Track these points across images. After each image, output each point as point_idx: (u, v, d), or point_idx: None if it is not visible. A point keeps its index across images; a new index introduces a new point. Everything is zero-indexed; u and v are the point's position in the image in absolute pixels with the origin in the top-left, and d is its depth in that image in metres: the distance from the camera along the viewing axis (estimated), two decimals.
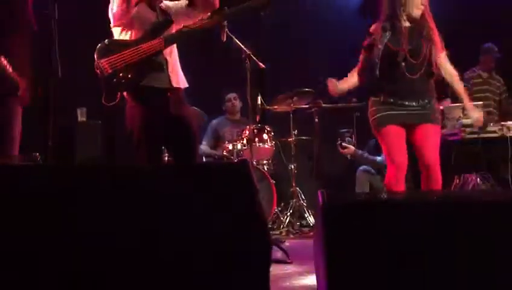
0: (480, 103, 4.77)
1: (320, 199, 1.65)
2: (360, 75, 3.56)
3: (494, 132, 4.93)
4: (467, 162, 4.96)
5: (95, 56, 3.21)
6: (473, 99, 5.22)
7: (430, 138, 3.36)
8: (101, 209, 1.44)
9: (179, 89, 3.28)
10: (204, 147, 5.54)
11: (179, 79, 3.28)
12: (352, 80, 3.65)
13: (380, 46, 3.24)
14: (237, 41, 4.09)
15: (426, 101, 3.35)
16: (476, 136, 4.84)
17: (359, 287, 1.54)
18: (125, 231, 1.36)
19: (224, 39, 3.60)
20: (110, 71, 3.15)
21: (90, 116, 5.14)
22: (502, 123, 4.96)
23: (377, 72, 3.26)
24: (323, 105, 5.27)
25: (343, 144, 5.44)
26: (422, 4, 3.33)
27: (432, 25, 3.38)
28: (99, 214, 1.44)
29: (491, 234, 1.56)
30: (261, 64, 4.35)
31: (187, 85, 3.34)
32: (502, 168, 4.92)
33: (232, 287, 1.37)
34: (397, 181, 3.37)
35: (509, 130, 4.90)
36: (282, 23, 6.49)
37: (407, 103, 3.34)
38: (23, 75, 2.66)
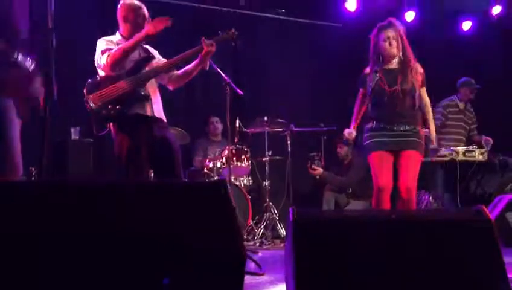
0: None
1: (291, 214, 1.69)
2: (360, 106, 3.79)
3: (445, 155, 5.06)
4: (421, 183, 5.07)
5: (84, 92, 3.23)
6: (447, 125, 5.40)
7: (410, 165, 3.52)
8: (84, 221, 1.42)
9: (161, 119, 3.33)
10: (197, 162, 5.58)
11: (160, 112, 3.36)
12: (359, 116, 3.83)
13: (370, 84, 3.56)
14: (218, 70, 4.15)
15: (412, 127, 3.55)
16: (429, 159, 4.95)
17: None
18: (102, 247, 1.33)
19: (207, 68, 3.66)
20: (99, 104, 3.16)
21: (83, 135, 5.10)
22: (452, 148, 5.09)
23: (369, 105, 3.63)
24: (295, 129, 5.35)
25: (313, 166, 5.56)
26: (396, 55, 3.60)
27: (413, 64, 3.62)
28: (88, 226, 1.44)
29: (431, 250, 1.60)
30: (239, 91, 4.40)
31: (165, 119, 3.40)
32: (452, 188, 5.04)
33: None
34: (381, 202, 3.55)
35: (458, 155, 5.04)
36: (260, 53, 6.60)
37: (395, 128, 3.54)
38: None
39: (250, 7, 6.56)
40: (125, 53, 3.23)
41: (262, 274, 3.08)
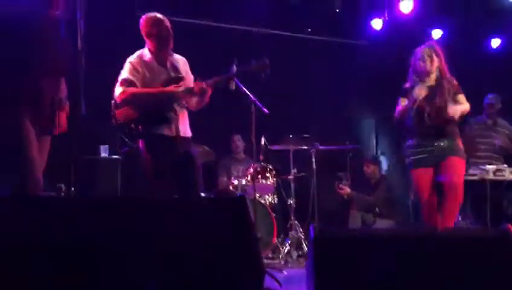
0: None
1: (311, 232, 1.68)
2: (398, 121, 3.92)
3: (475, 175, 4.96)
4: None
5: (112, 105, 3.28)
6: (475, 142, 5.34)
7: (452, 167, 3.65)
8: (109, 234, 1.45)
9: (186, 137, 3.35)
10: (221, 182, 5.60)
11: (186, 130, 3.37)
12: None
13: (411, 102, 3.73)
14: (244, 89, 4.18)
15: (450, 140, 3.69)
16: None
17: None
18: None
19: (233, 88, 3.69)
20: (121, 122, 3.22)
21: (112, 153, 5.20)
22: (481, 167, 4.98)
23: (410, 121, 3.77)
24: (320, 147, 5.32)
25: (340, 185, 5.54)
26: (430, 72, 3.75)
27: (447, 81, 3.75)
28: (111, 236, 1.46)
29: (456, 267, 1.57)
30: (265, 109, 4.41)
31: (190, 134, 3.41)
32: (482, 208, 4.92)
33: None
34: (429, 217, 3.67)
35: (487, 174, 4.93)
36: (286, 71, 6.63)
37: (435, 143, 3.68)
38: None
39: (275, 26, 6.62)
40: (139, 100, 3.22)
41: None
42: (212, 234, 1.42)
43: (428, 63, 3.74)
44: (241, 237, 1.40)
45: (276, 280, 3.15)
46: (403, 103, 3.86)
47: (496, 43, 6.78)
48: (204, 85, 3.31)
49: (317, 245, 1.59)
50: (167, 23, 3.36)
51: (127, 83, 3.25)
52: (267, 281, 3.09)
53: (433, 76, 3.77)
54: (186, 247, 1.41)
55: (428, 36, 6.46)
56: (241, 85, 4.04)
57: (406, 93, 3.85)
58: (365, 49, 6.90)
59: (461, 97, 3.79)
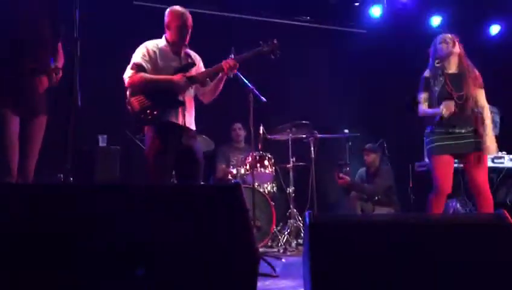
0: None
1: (307, 218, 1.69)
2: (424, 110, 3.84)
3: None
4: None
5: (127, 93, 3.32)
6: None
7: (480, 166, 3.64)
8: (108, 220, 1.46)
9: (191, 128, 3.39)
10: (220, 170, 5.63)
11: (191, 121, 3.40)
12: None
13: (436, 89, 3.71)
14: (242, 78, 4.17)
15: (472, 128, 3.66)
16: (456, 166, 4.85)
17: None
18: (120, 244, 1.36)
19: (231, 76, 3.70)
20: (138, 108, 3.25)
21: (110, 142, 5.20)
22: None
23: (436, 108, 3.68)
24: (319, 135, 5.32)
25: (341, 174, 5.54)
26: (453, 53, 3.73)
27: (470, 69, 3.75)
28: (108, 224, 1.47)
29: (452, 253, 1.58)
30: (262, 98, 4.40)
31: (194, 128, 3.45)
32: None
33: None
34: (438, 203, 3.64)
35: None
36: (284, 60, 6.60)
37: (457, 130, 3.65)
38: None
39: (274, 14, 6.59)
40: (145, 85, 3.28)
41: (277, 276, 3.08)
42: (206, 220, 1.42)
43: (450, 45, 3.72)
44: (235, 223, 1.41)
45: (271, 267, 3.17)
46: (424, 103, 3.82)
47: (495, 29, 6.74)
48: (232, 62, 3.40)
49: (313, 231, 1.59)
50: (186, 16, 3.43)
51: (137, 67, 3.32)
52: (263, 268, 3.12)
53: (455, 60, 3.75)
54: (179, 233, 1.42)
55: (426, 24, 6.44)
56: (239, 73, 4.03)
57: (426, 84, 3.82)
58: (364, 37, 6.87)
59: (481, 92, 3.77)
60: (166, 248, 1.38)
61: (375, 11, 6.52)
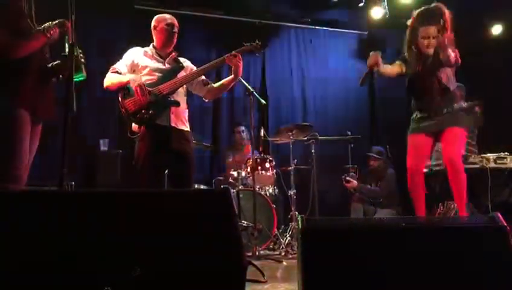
0: None
1: (299, 223, 1.69)
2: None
3: (475, 163, 4.93)
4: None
5: (119, 98, 3.36)
6: None
7: (450, 138, 3.62)
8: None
9: (181, 129, 3.40)
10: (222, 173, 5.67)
11: (178, 121, 3.42)
12: (392, 70, 3.85)
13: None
14: (242, 80, 4.19)
15: (449, 109, 3.65)
16: None
17: None
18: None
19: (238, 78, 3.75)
20: (133, 109, 3.29)
21: (112, 146, 5.23)
22: (482, 155, 4.96)
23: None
24: (320, 137, 5.31)
25: (347, 178, 5.53)
26: (430, 55, 3.65)
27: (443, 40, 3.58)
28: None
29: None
30: (262, 100, 4.41)
31: (188, 129, 3.48)
32: (482, 196, 4.90)
33: None
34: (412, 183, 3.69)
35: (488, 162, 4.90)
36: (285, 63, 6.61)
37: (433, 113, 3.66)
38: None
39: (276, 17, 6.60)
40: (112, 86, 3.41)
41: (265, 281, 3.06)
42: (195, 225, 1.43)
43: (432, 44, 3.63)
44: (223, 229, 1.41)
45: (260, 272, 3.15)
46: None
47: (497, 30, 6.71)
48: (236, 54, 3.49)
49: (304, 236, 1.59)
50: (169, 21, 3.52)
51: (112, 70, 3.46)
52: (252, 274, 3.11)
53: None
54: (168, 238, 1.42)
55: None
56: (240, 78, 4.05)
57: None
58: (365, 38, 6.87)
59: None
60: (153, 253, 1.38)
61: (375, 13, 6.50)
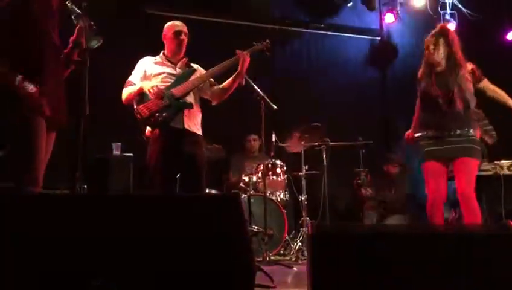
0: None
1: (309, 228, 1.69)
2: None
3: (488, 170, 4.88)
4: None
5: (134, 104, 3.40)
6: None
7: (464, 171, 3.48)
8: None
9: (194, 133, 3.42)
10: (233, 179, 5.65)
11: (191, 124, 3.43)
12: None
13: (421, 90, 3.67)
14: (254, 85, 4.19)
15: (465, 130, 3.51)
16: None
17: None
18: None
19: (243, 83, 3.76)
20: (148, 114, 3.33)
21: (124, 150, 5.25)
22: (495, 162, 4.91)
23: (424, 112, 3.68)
24: (331, 143, 5.29)
25: (362, 188, 5.52)
26: (438, 62, 3.60)
27: (461, 64, 3.57)
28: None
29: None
30: (273, 106, 4.41)
31: (200, 133, 3.51)
32: (495, 203, 4.85)
33: None
34: (432, 211, 3.53)
35: (502, 169, 4.85)
36: (297, 67, 6.62)
37: (446, 133, 3.52)
38: None
39: (288, 22, 6.62)
40: (130, 99, 3.46)
41: (274, 287, 3.06)
42: (204, 230, 1.44)
43: (435, 52, 3.60)
44: (233, 234, 1.42)
45: (269, 277, 3.15)
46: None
47: None
48: (243, 52, 3.57)
49: (313, 241, 1.59)
50: (178, 28, 3.58)
51: (127, 84, 3.53)
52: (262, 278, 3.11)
53: (443, 63, 3.62)
54: (178, 241, 1.43)
55: None
56: (251, 81, 4.07)
57: (418, 85, 3.76)
58: (378, 44, 6.85)
59: (486, 82, 3.64)
60: (164, 257, 1.40)
61: (388, 19, 6.49)
